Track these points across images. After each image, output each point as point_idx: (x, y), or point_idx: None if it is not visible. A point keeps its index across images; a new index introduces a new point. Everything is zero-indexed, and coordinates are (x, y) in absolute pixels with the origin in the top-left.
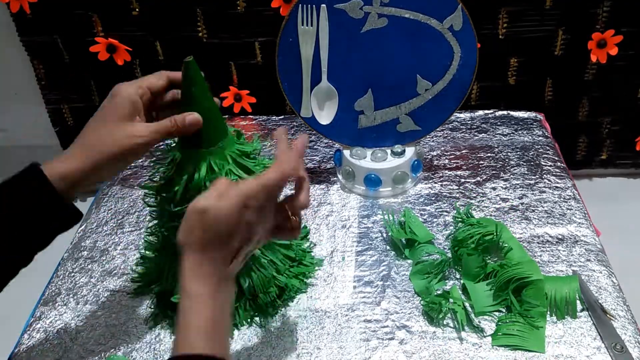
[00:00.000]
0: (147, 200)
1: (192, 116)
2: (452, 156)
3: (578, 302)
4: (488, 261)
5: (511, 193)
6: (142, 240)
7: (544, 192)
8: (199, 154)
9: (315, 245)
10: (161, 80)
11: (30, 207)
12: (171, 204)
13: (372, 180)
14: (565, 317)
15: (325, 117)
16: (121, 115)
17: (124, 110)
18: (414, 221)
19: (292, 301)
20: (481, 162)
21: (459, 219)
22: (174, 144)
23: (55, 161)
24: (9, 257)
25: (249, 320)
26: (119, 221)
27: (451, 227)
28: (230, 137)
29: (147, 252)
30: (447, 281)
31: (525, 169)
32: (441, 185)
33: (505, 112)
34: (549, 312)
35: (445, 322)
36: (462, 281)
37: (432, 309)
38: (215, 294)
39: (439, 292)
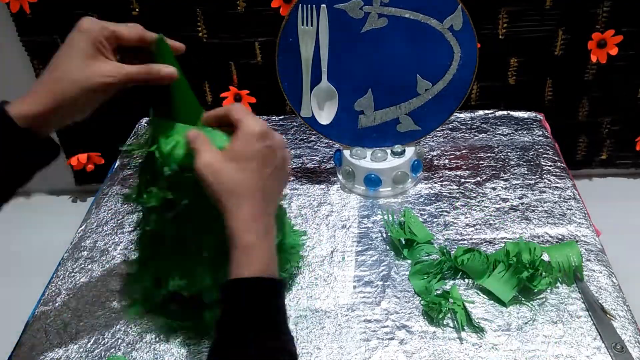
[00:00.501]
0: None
1: (169, 69)
2: (452, 156)
3: (578, 302)
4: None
5: (511, 193)
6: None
7: (544, 192)
8: (175, 126)
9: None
10: (133, 34)
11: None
12: (161, 168)
13: (372, 180)
14: (564, 316)
15: (325, 117)
16: (88, 52)
17: (91, 47)
18: (413, 221)
19: (292, 301)
20: (481, 162)
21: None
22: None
23: (19, 100)
24: None
25: None
26: (119, 221)
27: (451, 227)
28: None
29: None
30: (446, 281)
31: (525, 169)
32: (441, 185)
33: (505, 112)
34: (559, 281)
35: (445, 322)
36: (474, 282)
37: (432, 309)
38: (267, 236)
39: (438, 292)
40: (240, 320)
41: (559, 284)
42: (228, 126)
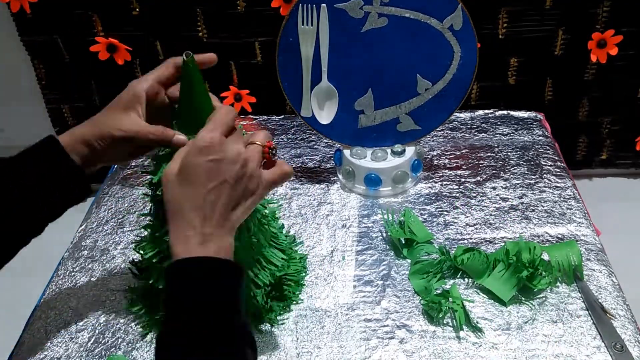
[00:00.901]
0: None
1: (181, 138)
2: (452, 156)
3: (578, 301)
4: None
5: (511, 193)
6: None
7: (544, 191)
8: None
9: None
10: (168, 69)
11: (47, 174)
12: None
13: (372, 180)
14: (564, 316)
15: (325, 116)
16: (121, 105)
17: (124, 102)
18: (413, 221)
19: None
20: (481, 161)
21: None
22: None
23: (63, 134)
24: (21, 225)
25: None
26: (120, 221)
27: (451, 227)
28: None
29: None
30: (446, 280)
31: (525, 168)
32: (441, 185)
33: (505, 112)
34: (559, 280)
35: (445, 322)
36: (474, 281)
37: (431, 309)
38: (202, 251)
39: (438, 291)
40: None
41: (558, 284)
42: None
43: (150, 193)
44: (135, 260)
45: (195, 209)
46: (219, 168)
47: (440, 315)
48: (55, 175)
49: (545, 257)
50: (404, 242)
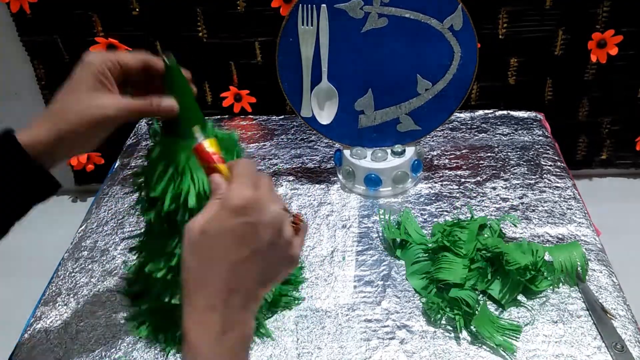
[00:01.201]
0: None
1: (169, 102)
2: (452, 156)
3: (578, 301)
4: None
5: (511, 193)
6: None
7: (544, 191)
8: (177, 144)
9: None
10: (136, 61)
11: (4, 173)
12: (148, 189)
13: (373, 180)
14: (565, 316)
15: (325, 117)
16: (90, 84)
17: (93, 80)
18: (410, 223)
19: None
20: (481, 161)
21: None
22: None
23: (24, 130)
24: None
25: None
26: (119, 221)
27: None
28: (209, 128)
29: (134, 255)
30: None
31: (526, 168)
32: (441, 185)
33: (505, 112)
34: (562, 281)
35: (446, 322)
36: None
37: (430, 308)
38: (222, 342)
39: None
40: None
41: (561, 284)
42: None
43: (142, 206)
44: (124, 288)
45: (218, 284)
46: (254, 233)
47: (439, 317)
48: (12, 174)
49: (548, 257)
50: (398, 242)
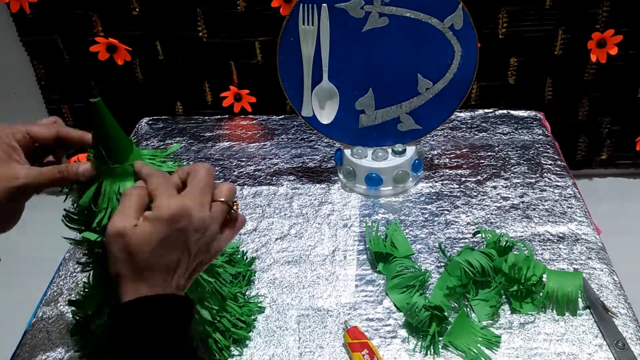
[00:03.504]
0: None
1: (84, 167)
2: (453, 155)
3: (580, 300)
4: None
5: (512, 192)
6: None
7: (545, 190)
8: (109, 168)
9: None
10: (48, 133)
11: None
12: (83, 211)
13: (373, 180)
14: (566, 314)
15: (326, 116)
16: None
17: (3, 152)
18: (397, 235)
19: (294, 300)
20: (482, 161)
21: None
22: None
23: None
24: None
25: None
26: None
27: (452, 226)
28: (135, 151)
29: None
30: (427, 294)
31: (526, 167)
32: (442, 184)
33: (505, 111)
34: (550, 308)
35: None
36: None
37: (410, 316)
38: None
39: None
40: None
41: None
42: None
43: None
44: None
45: (155, 270)
46: (184, 238)
47: (421, 322)
48: None
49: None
50: (383, 255)
